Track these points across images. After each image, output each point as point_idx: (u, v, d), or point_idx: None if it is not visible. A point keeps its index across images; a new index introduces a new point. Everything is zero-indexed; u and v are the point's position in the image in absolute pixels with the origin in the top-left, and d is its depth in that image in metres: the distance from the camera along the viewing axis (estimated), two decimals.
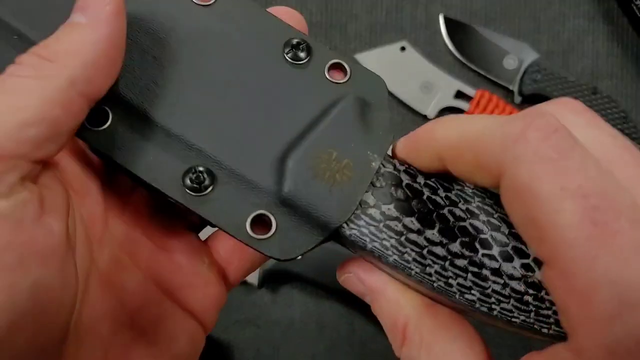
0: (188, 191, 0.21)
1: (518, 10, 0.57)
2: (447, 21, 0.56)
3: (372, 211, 0.21)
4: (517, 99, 0.56)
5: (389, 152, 0.23)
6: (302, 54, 0.23)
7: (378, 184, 0.21)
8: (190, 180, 0.21)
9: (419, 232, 0.21)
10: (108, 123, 0.21)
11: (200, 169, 0.21)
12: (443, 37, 0.56)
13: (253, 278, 0.53)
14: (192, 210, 0.21)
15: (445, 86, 0.55)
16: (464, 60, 0.56)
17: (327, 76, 0.23)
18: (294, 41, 0.23)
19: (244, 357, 0.55)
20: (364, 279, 0.22)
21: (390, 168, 0.22)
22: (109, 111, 0.21)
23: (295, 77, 0.23)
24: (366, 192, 0.21)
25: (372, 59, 0.56)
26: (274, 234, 0.21)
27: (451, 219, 0.21)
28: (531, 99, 0.56)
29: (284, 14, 0.25)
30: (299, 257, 0.22)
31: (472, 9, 0.57)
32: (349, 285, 0.23)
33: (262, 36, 0.23)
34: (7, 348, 0.17)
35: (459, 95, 0.56)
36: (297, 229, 0.21)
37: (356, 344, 0.55)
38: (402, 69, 0.56)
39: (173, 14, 0.23)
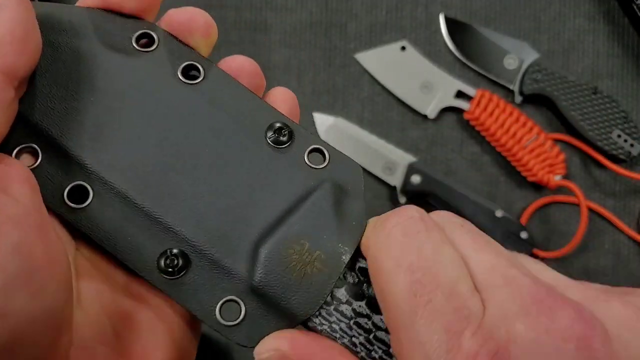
0: (162, 274, 0.21)
1: (518, 9, 0.57)
2: (448, 21, 0.56)
3: (343, 307, 0.21)
4: (518, 98, 0.56)
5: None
6: (283, 138, 0.23)
7: (351, 279, 0.22)
8: (165, 264, 0.21)
9: (386, 330, 0.21)
10: (89, 201, 0.21)
11: (175, 251, 0.21)
12: (443, 37, 0.56)
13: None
14: (166, 293, 0.21)
15: (445, 86, 0.55)
16: (464, 60, 0.56)
17: (307, 161, 0.23)
18: (277, 125, 0.23)
19: (244, 357, 0.55)
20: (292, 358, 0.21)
21: (363, 263, 0.22)
22: (90, 189, 0.21)
23: (275, 161, 0.23)
24: (338, 287, 0.21)
25: (372, 59, 0.56)
26: (242, 320, 0.21)
27: None
28: (532, 98, 0.56)
29: (279, 94, 0.25)
30: None
31: (472, 8, 0.57)
32: None
33: (246, 119, 0.23)
34: (5, 313, 0.17)
35: (460, 95, 0.56)
36: (266, 318, 0.21)
37: None
38: (402, 68, 0.56)
39: (158, 92, 0.23)
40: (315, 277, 0.21)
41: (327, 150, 0.23)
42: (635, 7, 0.55)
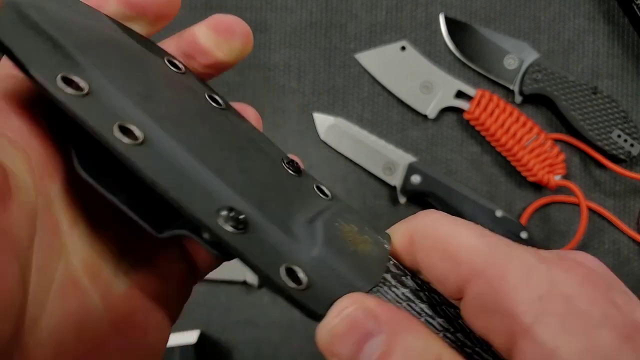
0: (226, 225, 0.19)
1: (518, 9, 0.57)
2: (447, 21, 0.56)
3: (394, 289, 0.21)
4: (518, 98, 0.56)
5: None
6: (296, 169, 0.25)
7: (393, 269, 0.22)
8: (228, 216, 0.19)
9: (432, 317, 0.21)
10: (143, 139, 0.19)
11: (237, 209, 0.20)
12: (443, 37, 0.56)
13: (253, 279, 0.53)
14: (230, 245, 0.19)
15: (445, 86, 0.55)
16: (464, 60, 0.56)
17: (316, 190, 0.25)
18: (289, 158, 0.25)
19: (244, 357, 0.55)
20: (379, 313, 0.18)
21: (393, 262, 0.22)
22: (141, 132, 0.20)
23: (296, 180, 0.24)
24: (385, 273, 0.21)
25: (372, 59, 0.56)
26: (307, 288, 0.19)
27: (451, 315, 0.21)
28: (531, 98, 0.56)
29: (242, 109, 0.27)
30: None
31: (472, 8, 0.57)
32: (345, 329, 0.18)
33: (266, 144, 0.26)
34: None
35: (460, 95, 0.56)
36: (330, 286, 0.20)
37: None
38: (402, 68, 0.56)
39: (193, 99, 0.24)
40: (369, 254, 0.21)
41: (328, 190, 0.25)
42: (635, 7, 0.55)
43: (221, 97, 0.26)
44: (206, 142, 0.22)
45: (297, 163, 0.25)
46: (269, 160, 0.24)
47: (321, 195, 0.25)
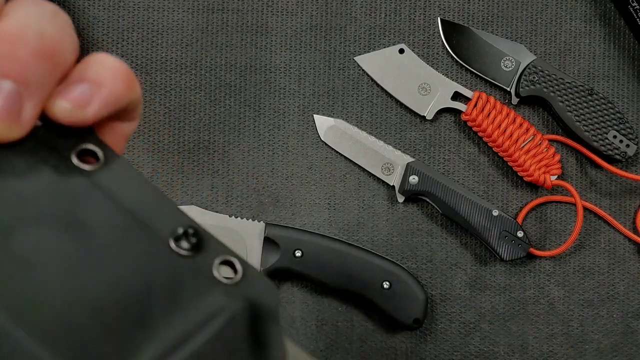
0: None
1: (515, 12, 0.58)
2: (445, 24, 0.57)
3: None
4: (514, 100, 0.57)
5: None
6: (189, 246, 0.19)
7: None
8: None
9: None
10: None
11: None
12: (441, 40, 0.57)
13: None
14: None
15: (443, 88, 0.56)
16: (461, 62, 0.57)
17: (216, 273, 0.19)
18: (183, 230, 0.19)
19: None
20: None
21: None
22: None
23: (179, 271, 0.19)
24: None
25: (371, 61, 0.57)
26: None
27: None
28: (528, 100, 0.57)
29: (106, 67, 0.20)
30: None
31: (469, 11, 0.58)
32: None
33: (149, 218, 0.19)
34: None
35: (457, 96, 0.57)
36: None
37: (355, 341, 0.56)
38: (400, 71, 0.57)
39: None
40: None
41: (241, 264, 0.19)
42: (631, 9, 0.56)
43: (101, 147, 0.20)
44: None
45: (194, 237, 0.19)
46: (140, 251, 0.19)
47: (221, 279, 0.19)
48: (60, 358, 0.16)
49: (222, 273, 0.19)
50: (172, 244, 0.19)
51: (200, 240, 0.19)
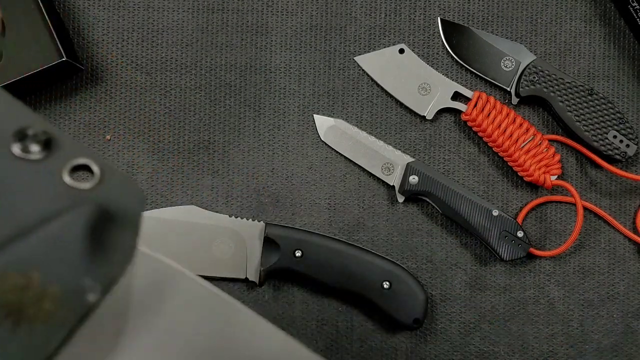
0: None
1: (515, 12, 0.58)
2: (445, 24, 0.57)
3: None
4: (514, 100, 0.57)
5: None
6: (35, 148, 0.18)
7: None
8: None
9: None
10: None
11: None
12: (441, 40, 0.57)
13: (254, 276, 0.54)
14: None
15: (443, 88, 0.56)
16: (461, 62, 0.57)
17: (67, 178, 0.18)
18: (29, 131, 0.18)
19: None
20: None
21: None
22: None
23: (21, 176, 0.18)
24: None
25: (371, 61, 0.57)
26: None
27: None
28: (528, 100, 0.57)
29: None
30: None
31: (469, 11, 0.58)
32: None
33: None
34: None
35: (457, 96, 0.57)
36: None
37: (355, 341, 0.56)
38: (400, 71, 0.57)
39: None
40: (40, 324, 0.16)
41: (100, 168, 0.18)
42: (631, 9, 0.56)
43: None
44: None
45: (40, 137, 0.18)
46: None
47: (72, 184, 0.18)
48: None
49: (77, 178, 0.18)
50: (15, 148, 0.17)
51: (48, 141, 0.18)
